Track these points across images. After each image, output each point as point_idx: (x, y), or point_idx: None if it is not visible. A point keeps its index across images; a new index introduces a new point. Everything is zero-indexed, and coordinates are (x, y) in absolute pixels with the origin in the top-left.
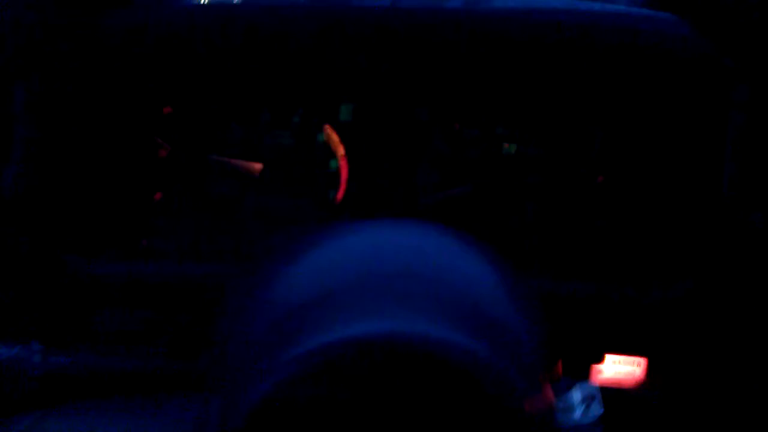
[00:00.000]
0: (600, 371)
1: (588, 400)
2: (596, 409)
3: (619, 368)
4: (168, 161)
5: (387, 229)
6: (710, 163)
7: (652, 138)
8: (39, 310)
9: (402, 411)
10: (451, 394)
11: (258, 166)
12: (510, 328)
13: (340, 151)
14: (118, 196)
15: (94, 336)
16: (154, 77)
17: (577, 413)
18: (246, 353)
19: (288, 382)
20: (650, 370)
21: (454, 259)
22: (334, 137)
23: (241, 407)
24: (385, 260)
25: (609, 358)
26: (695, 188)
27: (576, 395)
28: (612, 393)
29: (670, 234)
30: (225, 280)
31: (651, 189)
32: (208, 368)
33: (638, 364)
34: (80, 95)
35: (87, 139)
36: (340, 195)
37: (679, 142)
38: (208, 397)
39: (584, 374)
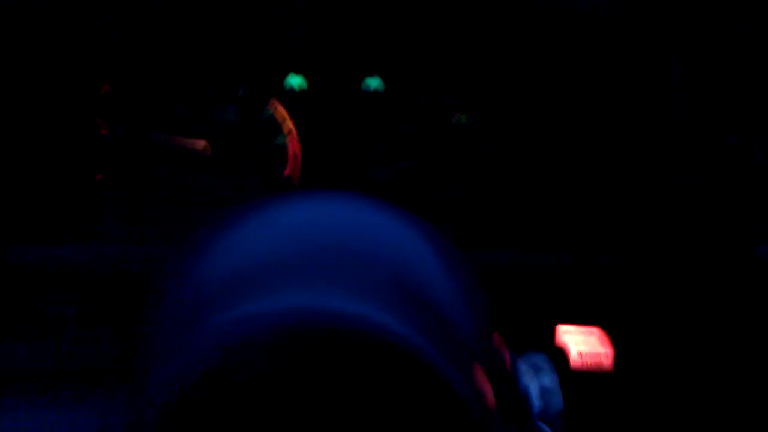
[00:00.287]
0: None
1: (546, 392)
2: (557, 404)
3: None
4: (108, 141)
5: (316, 200)
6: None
7: (602, 108)
8: None
9: (316, 391)
10: (367, 374)
11: (202, 143)
12: (439, 304)
13: (288, 125)
14: (58, 179)
15: (31, 325)
16: (91, 53)
17: (536, 407)
18: (160, 334)
19: (199, 361)
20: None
21: (383, 231)
22: (281, 111)
23: (154, 391)
24: (310, 232)
25: (561, 328)
26: (643, 160)
27: (523, 367)
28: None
29: (616, 205)
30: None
31: (602, 160)
32: (132, 354)
33: (599, 339)
34: (14, 73)
35: (24, 120)
36: (287, 170)
37: (625, 113)
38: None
39: (535, 346)
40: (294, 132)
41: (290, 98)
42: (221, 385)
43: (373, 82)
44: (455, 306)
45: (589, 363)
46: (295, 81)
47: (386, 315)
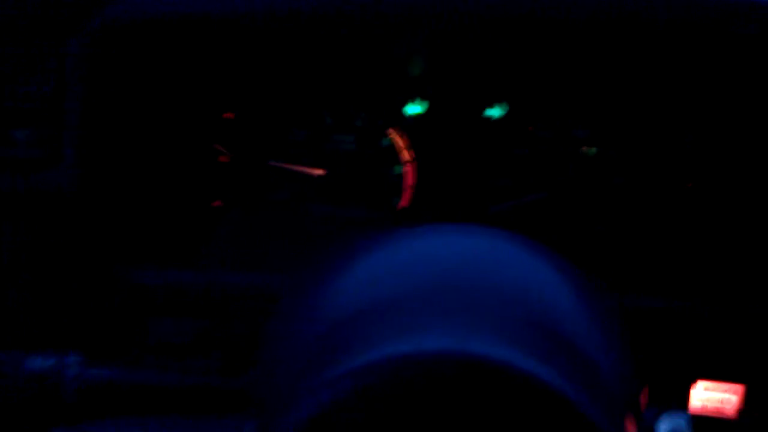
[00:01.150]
0: (692, 399)
1: None
2: None
3: (713, 396)
4: (227, 167)
5: (449, 234)
6: None
7: (748, 141)
8: (81, 317)
9: None
10: (515, 424)
11: (319, 171)
12: (588, 351)
13: (405, 155)
14: (176, 202)
15: (140, 347)
16: (213, 80)
17: None
18: (288, 370)
19: (333, 403)
20: (748, 399)
21: (522, 270)
22: (399, 141)
23: (282, 429)
24: (445, 269)
25: (702, 384)
26: None
27: (664, 427)
28: (705, 423)
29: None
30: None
31: (746, 197)
32: (251, 385)
33: (735, 392)
34: (139, 96)
35: (145, 142)
36: (404, 201)
37: None
38: (249, 416)
39: (674, 402)
40: (411, 162)
41: (409, 126)
42: (357, 427)
43: (497, 111)
44: (606, 354)
45: (710, 408)
46: (414, 109)
47: (545, 367)
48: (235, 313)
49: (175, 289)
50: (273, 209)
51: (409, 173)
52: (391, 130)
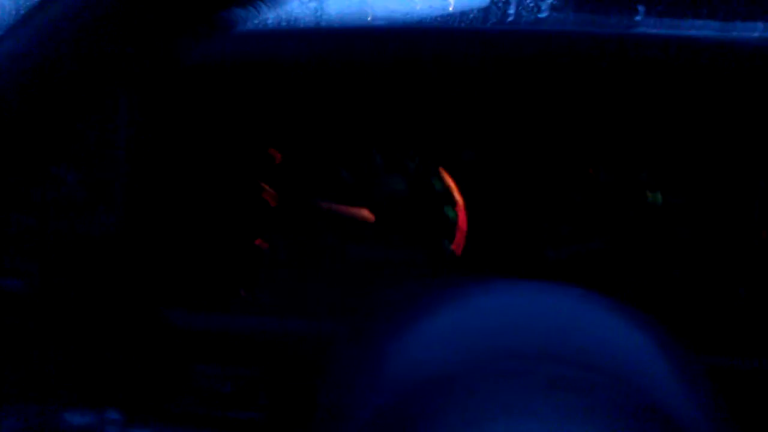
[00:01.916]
0: None
1: None
2: None
3: None
4: (273, 207)
5: (524, 291)
6: None
7: None
8: (121, 367)
9: None
10: None
11: (368, 213)
12: (686, 424)
13: (458, 198)
14: (219, 243)
15: (182, 397)
16: (258, 118)
17: None
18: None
19: None
20: None
21: (610, 335)
22: (452, 183)
23: None
24: (528, 335)
25: None
26: None
27: None
28: None
29: None
30: (331, 339)
31: None
32: None
33: None
34: (188, 136)
35: (189, 181)
36: (457, 246)
37: None
38: None
39: None
40: (461, 204)
41: (462, 168)
42: None
43: (551, 153)
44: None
45: None
46: (465, 152)
47: None
48: (282, 361)
49: (219, 335)
50: (319, 252)
51: (462, 217)
52: (443, 172)
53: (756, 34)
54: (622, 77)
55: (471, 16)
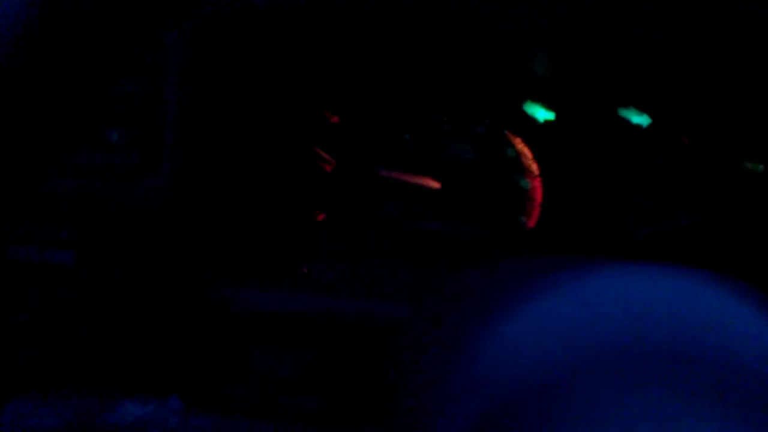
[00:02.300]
0: None
1: None
2: None
3: None
4: (332, 176)
5: (646, 275)
6: None
7: None
8: (178, 351)
9: None
10: None
11: (434, 183)
12: None
13: (534, 168)
14: (276, 215)
15: (240, 382)
16: (317, 77)
17: None
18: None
19: None
20: None
21: (753, 330)
22: (526, 152)
23: None
24: (653, 329)
25: None
26: None
27: None
28: None
29: None
30: (399, 321)
31: None
32: None
33: None
34: (239, 93)
35: (241, 147)
36: (531, 221)
37: None
38: None
39: None
40: (538, 175)
41: (535, 134)
42: None
43: (637, 116)
44: None
45: None
46: (544, 114)
47: None
48: (345, 344)
49: (278, 315)
50: (382, 224)
51: (538, 188)
52: (517, 139)
53: None
54: (720, 25)
55: None
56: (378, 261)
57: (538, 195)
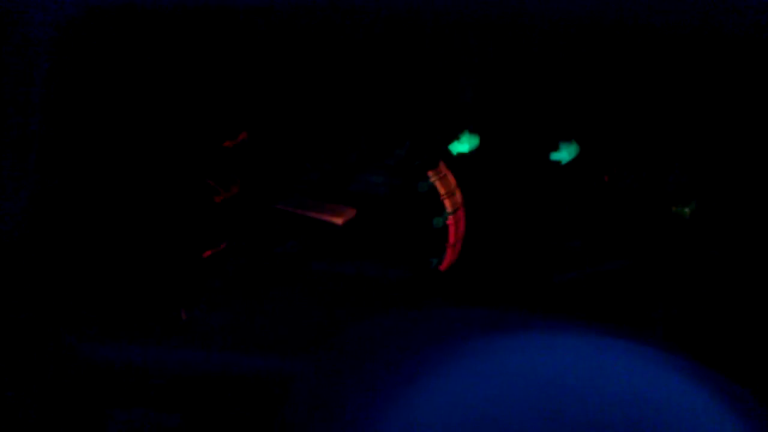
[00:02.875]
0: None
1: None
2: None
3: None
4: (223, 208)
5: (559, 335)
6: None
7: None
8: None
9: None
10: None
11: (339, 220)
12: None
13: (448, 205)
14: (154, 250)
15: None
16: (210, 94)
17: None
18: None
19: None
20: None
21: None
22: (441, 186)
23: None
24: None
25: None
26: None
27: None
28: None
29: None
30: (291, 379)
31: None
32: None
33: None
34: (118, 107)
35: (117, 170)
36: (445, 263)
37: None
38: None
39: None
40: (454, 213)
41: (455, 169)
42: None
43: (565, 152)
44: None
45: None
46: (462, 146)
47: None
48: (223, 406)
49: (142, 371)
50: (278, 264)
51: (452, 227)
52: (431, 173)
53: None
54: (652, 54)
55: None
56: (271, 306)
57: (453, 235)
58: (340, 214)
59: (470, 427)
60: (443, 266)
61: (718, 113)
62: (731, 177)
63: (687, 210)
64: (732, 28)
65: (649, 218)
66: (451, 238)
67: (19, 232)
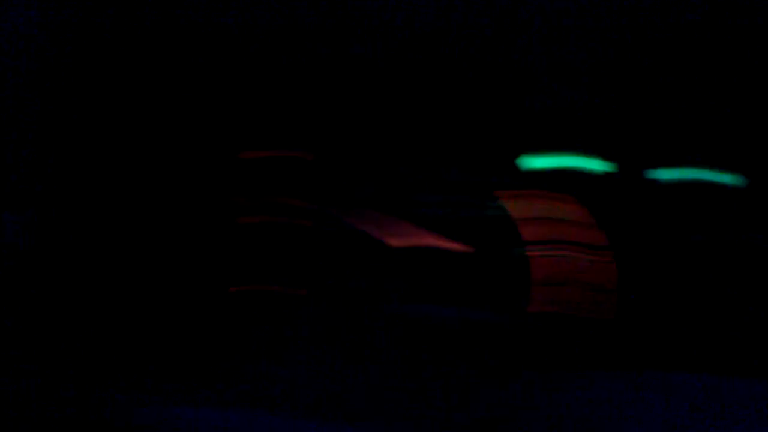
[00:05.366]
0: None
1: None
2: None
3: None
4: (249, 231)
5: None
6: None
7: None
8: None
9: None
10: None
11: (396, 241)
12: None
13: (524, 231)
14: (174, 297)
15: None
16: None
17: None
18: None
19: None
20: None
21: None
22: (514, 209)
23: None
24: None
25: None
26: None
27: None
28: None
29: None
30: None
31: None
32: None
33: None
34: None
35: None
36: (535, 303)
37: None
38: None
39: None
40: (535, 244)
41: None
42: None
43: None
44: None
45: None
46: (542, 162)
47: None
48: None
49: None
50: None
51: (536, 259)
52: (501, 192)
53: None
54: None
55: None
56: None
57: (539, 269)
58: (396, 235)
59: None
60: (533, 308)
61: None
62: None
63: None
64: None
65: None
66: (536, 273)
67: (25, 244)
